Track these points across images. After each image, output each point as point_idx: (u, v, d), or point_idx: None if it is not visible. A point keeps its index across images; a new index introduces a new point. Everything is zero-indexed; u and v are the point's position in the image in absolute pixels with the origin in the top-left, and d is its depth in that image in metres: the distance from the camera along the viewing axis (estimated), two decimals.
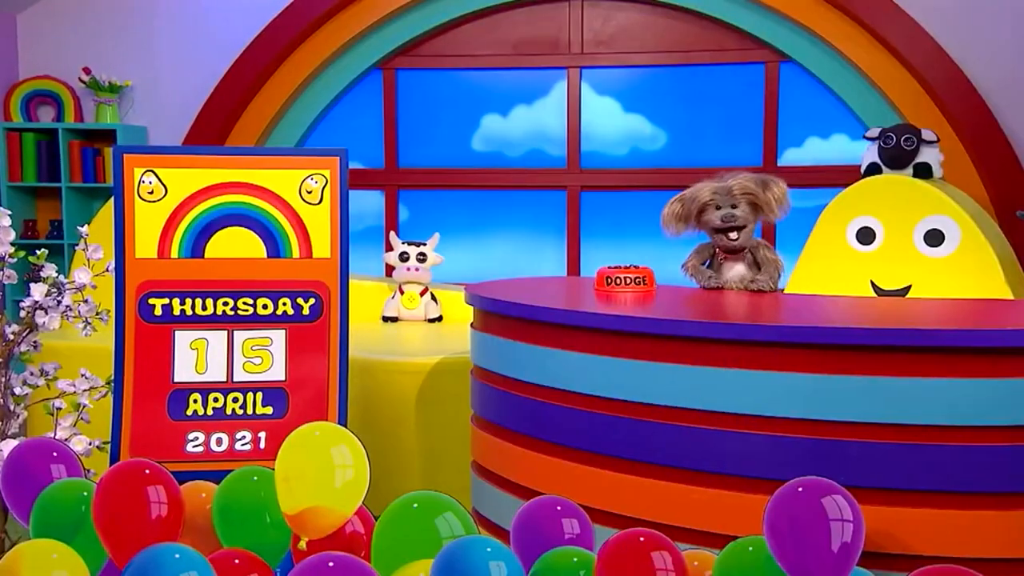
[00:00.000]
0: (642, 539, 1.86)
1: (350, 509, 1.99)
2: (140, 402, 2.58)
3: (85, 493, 2.03)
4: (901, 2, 4.88)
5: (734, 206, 2.61)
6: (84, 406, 2.63)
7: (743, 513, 2.05)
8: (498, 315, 2.55)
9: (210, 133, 5.55)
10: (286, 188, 2.65)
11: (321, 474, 1.97)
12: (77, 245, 2.74)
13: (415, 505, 1.96)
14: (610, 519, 2.19)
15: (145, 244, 2.63)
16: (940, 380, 1.94)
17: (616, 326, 2.27)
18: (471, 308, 2.73)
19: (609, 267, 2.70)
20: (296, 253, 2.67)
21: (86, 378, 2.66)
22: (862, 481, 1.97)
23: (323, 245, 2.67)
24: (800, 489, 1.86)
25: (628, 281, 2.65)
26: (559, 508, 2.00)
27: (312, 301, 2.66)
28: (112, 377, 2.62)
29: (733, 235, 2.63)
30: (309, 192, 2.63)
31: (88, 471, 2.23)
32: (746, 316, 2.33)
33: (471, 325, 2.75)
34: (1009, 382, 1.92)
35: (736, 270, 2.68)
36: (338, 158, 2.65)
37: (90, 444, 2.59)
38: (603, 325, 2.29)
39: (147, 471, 2.02)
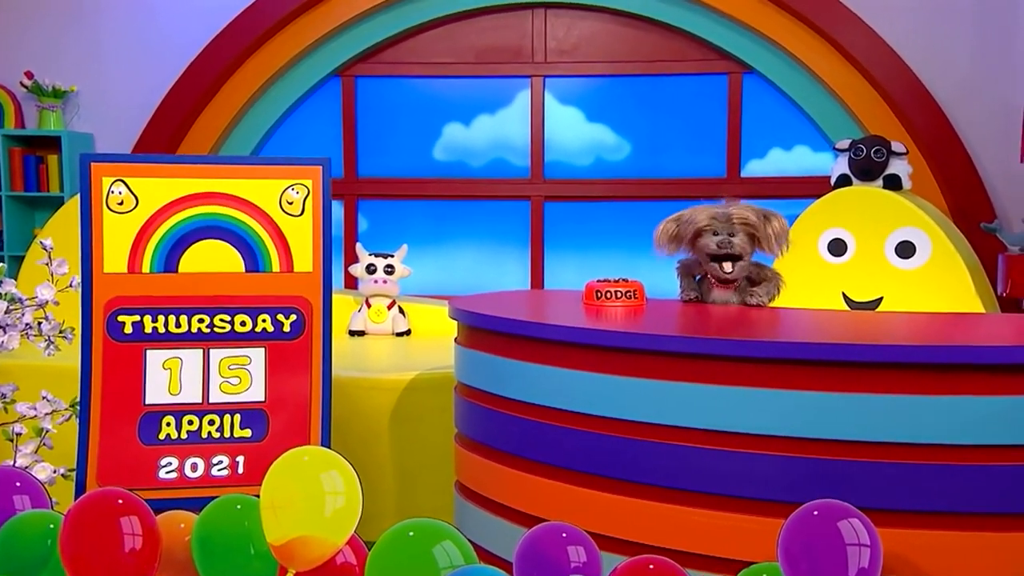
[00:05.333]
0: (652, 567, 1.79)
1: (341, 539, 1.91)
2: (108, 426, 2.43)
3: (52, 525, 1.92)
4: (863, 14, 4.93)
5: (731, 234, 2.51)
6: (47, 431, 2.48)
7: (753, 537, 2.00)
8: (485, 330, 2.47)
9: (161, 141, 5.37)
10: (266, 199, 2.53)
11: (310, 502, 1.89)
12: (37, 258, 2.58)
13: (411, 533, 1.88)
14: (610, 544, 2.12)
15: (114, 258, 2.49)
16: (955, 398, 1.91)
17: (613, 342, 2.20)
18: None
19: (598, 280, 2.64)
20: (276, 267, 2.55)
21: (48, 401, 2.51)
22: (875, 503, 1.92)
23: (305, 258, 2.55)
24: (815, 513, 1.81)
25: (618, 295, 2.59)
26: (564, 535, 1.92)
27: (293, 317, 2.55)
28: (77, 399, 2.47)
29: (728, 267, 2.52)
30: (290, 203, 2.52)
31: (52, 501, 2.10)
32: (750, 332, 2.28)
33: (455, 340, 2.66)
34: None
35: (723, 295, 2.60)
36: (321, 167, 2.54)
37: (54, 472, 2.44)
38: (599, 341, 2.22)
39: (120, 500, 1.92)
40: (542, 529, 1.94)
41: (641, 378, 2.14)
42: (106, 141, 5.60)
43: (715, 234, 2.52)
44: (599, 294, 2.60)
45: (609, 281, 2.63)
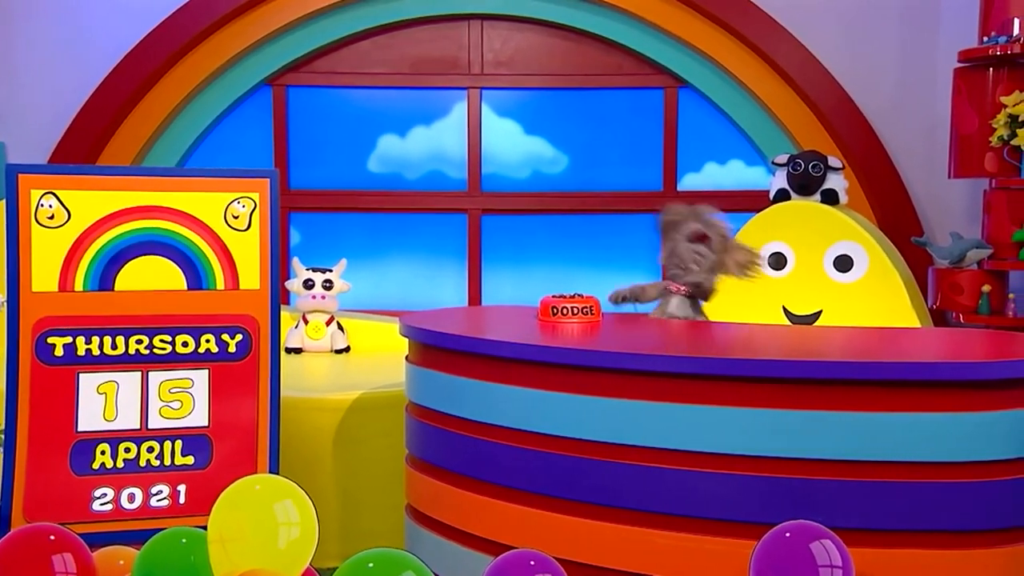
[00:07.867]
0: None
1: (296, 572, 1.81)
2: (37, 455, 2.28)
3: None
4: (795, 31, 5.01)
5: (699, 252, 2.66)
6: None
7: (720, 559, 1.97)
8: (440, 348, 2.40)
9: (79, 151, 5.13)
10: (209, 213, 2.40)
11: (263, 533, 1.80)
12: None
13: (371, 564, 1.80)
14: (573, 569, 2.05)
15: (44, 276, 2.33)
16: (924, 415, 1.91)
17: (574, 360, 2.15)
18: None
19: (554, 296, 2.59)
20: (221, 284, 2.42)
21: None
22: (845, 523, 1.91)
23: (251, 275, 2.43)
24: (787, 534, 1.79)
25: (575, 311, 2.54)
26: (532, 563, 1.85)
27: (239, 337, 2.42)
28: (2, 427, 2.30)
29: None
30: (236, 217, 2.40)
31: None
32: (713, 350, 2.25)
33: (406, 359, 2.58)
34: (1000, 415, 1.90)
35: (677, 304, 2.67)
36: (268, 180, 2.43)
37: None
38: (559, 359, 2.17)
39: (52, 536, 1.81)
40: (509, 557, 1.87)
41: (602, 397, 2.10)
42: (19, 151, 5.31)
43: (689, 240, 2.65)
44: (555, 310, 2.55)
45: (565, 297, 2.58)
